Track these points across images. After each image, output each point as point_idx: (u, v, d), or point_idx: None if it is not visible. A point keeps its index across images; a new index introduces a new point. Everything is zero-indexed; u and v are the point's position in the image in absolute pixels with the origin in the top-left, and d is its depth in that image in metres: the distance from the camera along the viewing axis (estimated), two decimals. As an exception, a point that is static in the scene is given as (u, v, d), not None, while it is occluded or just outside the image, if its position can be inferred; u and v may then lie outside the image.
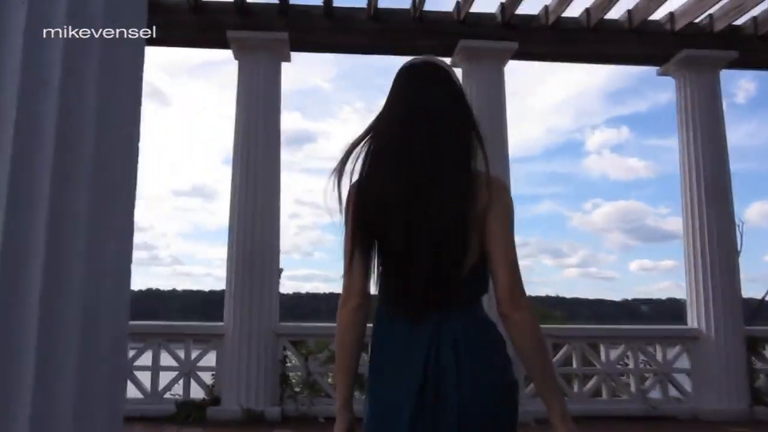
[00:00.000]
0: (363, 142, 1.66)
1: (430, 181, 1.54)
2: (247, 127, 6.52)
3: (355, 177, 1.65)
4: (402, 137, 1.59)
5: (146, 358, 6.20)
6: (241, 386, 6.00)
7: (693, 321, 6.91)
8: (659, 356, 6.91)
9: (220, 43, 6.74)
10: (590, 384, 6.76)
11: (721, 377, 6.56)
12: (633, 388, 6.81)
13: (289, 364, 6.40)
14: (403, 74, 1.69)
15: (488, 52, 6.96)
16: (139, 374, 6.18)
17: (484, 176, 1.57)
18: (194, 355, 6.34)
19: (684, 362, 6.93)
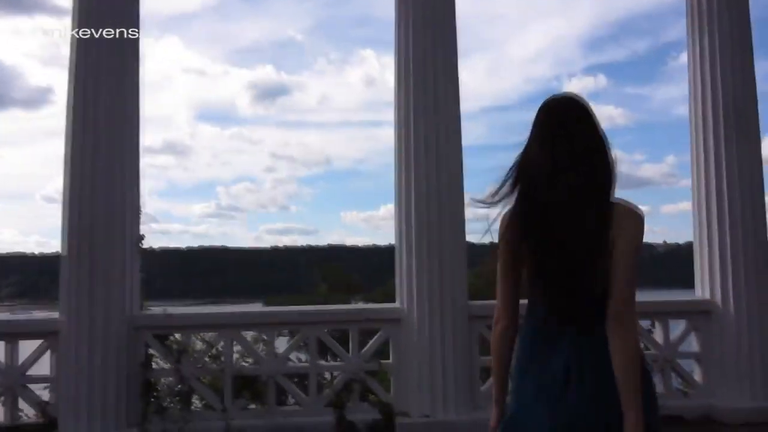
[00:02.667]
0: (513, 171, 1.91)
1: (569, 218, 1.79)
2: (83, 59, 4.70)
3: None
4: (544, 176, 1.83)
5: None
6: (83, 402, 4.34)
7: (704, 290, 5.40)
8: (658, 336, 5.40)
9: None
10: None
11: (743, 364, 5.13)
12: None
13: (156, 367, 4.69)
14: (544, 112, 1.94)
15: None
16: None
17: (621, 208, 1.82)
18: (22, 361, 4.62)
19: (692, 344, 5.47)
